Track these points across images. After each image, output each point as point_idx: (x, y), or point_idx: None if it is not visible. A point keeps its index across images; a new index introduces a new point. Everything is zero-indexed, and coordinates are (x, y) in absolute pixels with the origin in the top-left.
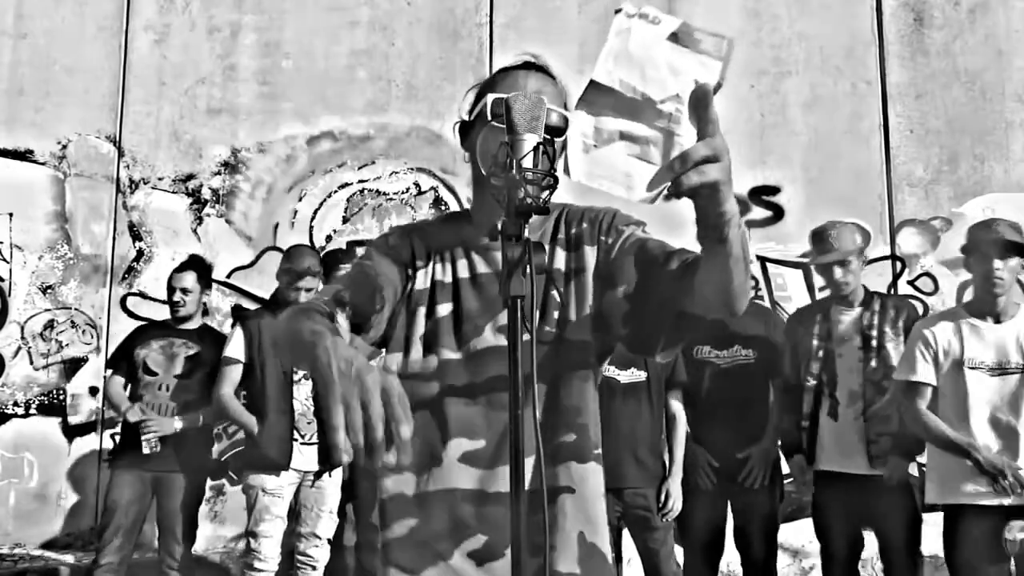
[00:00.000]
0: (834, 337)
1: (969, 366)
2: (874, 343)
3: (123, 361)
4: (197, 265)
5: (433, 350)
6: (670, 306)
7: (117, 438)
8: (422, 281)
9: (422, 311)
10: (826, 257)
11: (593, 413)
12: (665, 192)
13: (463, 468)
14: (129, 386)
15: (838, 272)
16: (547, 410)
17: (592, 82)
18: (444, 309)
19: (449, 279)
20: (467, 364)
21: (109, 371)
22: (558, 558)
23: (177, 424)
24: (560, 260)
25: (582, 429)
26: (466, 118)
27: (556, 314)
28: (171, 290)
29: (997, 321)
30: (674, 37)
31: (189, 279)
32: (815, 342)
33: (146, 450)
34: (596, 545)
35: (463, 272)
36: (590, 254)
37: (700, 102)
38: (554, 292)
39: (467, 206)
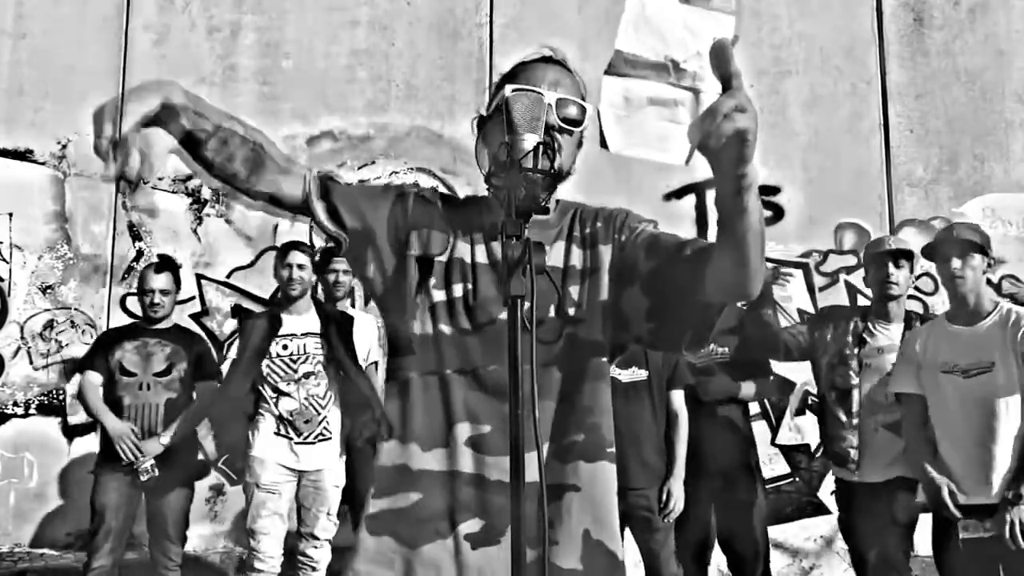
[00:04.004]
0: (868, 347)
1: (943, 371)
2: None
3: (99, 362)
4: (170, 266)
5: (443, 328)
6: (689, 296)
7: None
8: (437, 250)
9: (432, 282)
10: (878, 250)
11: (606, 412)
12: (696, 149)
13: (467, 452)
14: (102, 388)
15: (891, 268)
16: (560, 408)
17: (617, 51)
18: (459, 289)
19: (468, 259)
20: (478, 349)
21: (81, 372)
22: (561, 553)
23: (164, 440)
24: (576, 258)
25: (592, 429)
26: (484, 113)
27: (571, 311)
28: (147, 292)
29: (972, 323)
30: None
31: (165, 280)
32: (849, 339)
33: (144, 478)
34: (603, 543)
35: (481, 257)
36: (605, 253)
37: (721, 56)
38: (571, 289)
39: None
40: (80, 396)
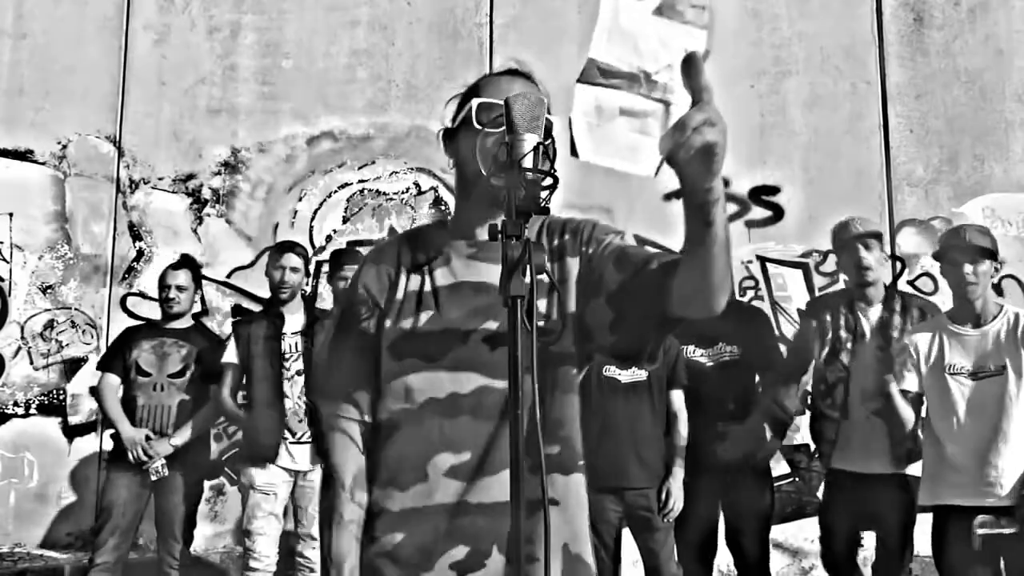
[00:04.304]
0: (856, 333)
1: (949, 372)
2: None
3: (116, 361)
4: (190, 263)
5: (409, 361)
6: (654, 309)
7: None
8: (389, 293)
9: (388, 323)
10: (847, 236)
11: (576, 424)
12: (664, 162)
13: (447, 482)
14: (121, 387)
15: (862, 252)
16: (531, 421)
17: (590, 60)
18: (424, 317)
19: (428, 288)
20: (450, 375)
21: (101, 372)
22: (541, 569)
23: (175, 441)
24: None
25: (565, 441)
26: (450, 125)
27: (540, 323)
28: (164, 287)
29: (977, 326)
30: (659, 11)
31: (183, 277)
32: (843, 333)
33: (154, 477)
34: (580, 556)
35: (442, 280)
36: (573, 265)
37: (692, 69)
38: (538, 302)
39: None
40: (98, 397)
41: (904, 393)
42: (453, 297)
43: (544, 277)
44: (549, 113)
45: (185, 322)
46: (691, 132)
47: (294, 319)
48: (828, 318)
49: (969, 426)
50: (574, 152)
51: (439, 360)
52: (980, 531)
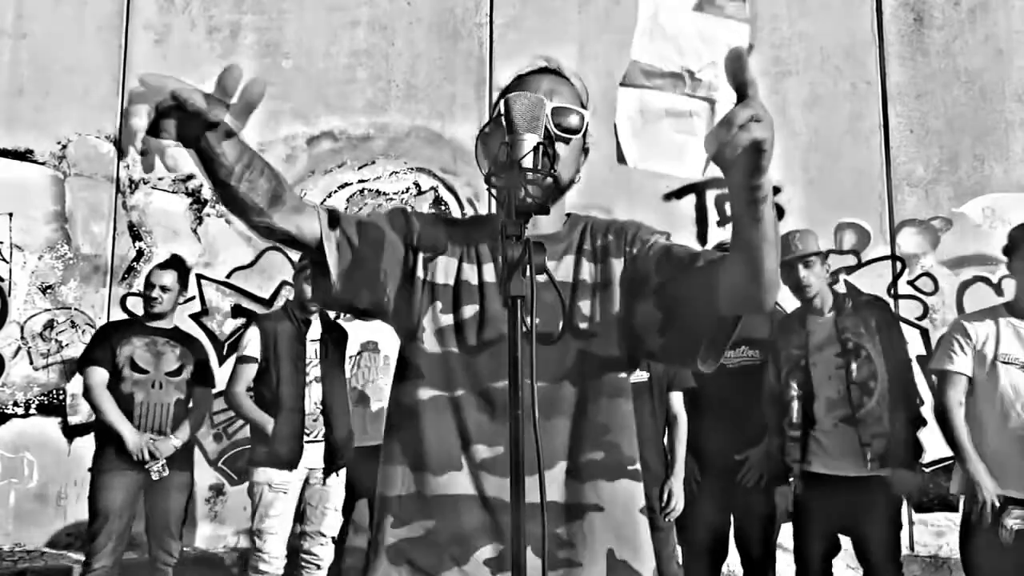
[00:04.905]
0: (810, 346)
1: (1002, 361)
2: (851, 345)
3: (103, 356)
4: (178, 265)
5: (453, 350)
6: (703, 308)
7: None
8: (443, 275)
9: (439, 306)
10: (787, 257)
11: (625, 429)
12: (711, 160)
13: (482, 474)
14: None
15: (801, 271)
16: (575, 425)
17: (633, 62)
18: (470, 310)
19: (475, 281)
20: (487, 368)
21: (86, 367)
22: (583, 574)
23: (176, 442)
24: (586, 272)
25: (611, 447)
26: (486, 130)
27: (583, 326)
28: (149, 286)
29: None
30: (699, 7)
31: (169, 277)
32: (795, 351)
33: (155, 478)
34: (629, 563)
35: (489, 276)
36: (616, 266)
37: (736, 65)
38: (581, 304)
39: (467, 206)
40: (87, 395)
41: (945, 374)
42: (498, 292)
43: (563, 280)
44: (584, 107)
45: (168, 323)
46: (737, 129)
47: (313, 326)
48: (787, 340)
49: (1015, 418)
50: (621, 159)
51: (479, 354)
52: (1014, 524)
